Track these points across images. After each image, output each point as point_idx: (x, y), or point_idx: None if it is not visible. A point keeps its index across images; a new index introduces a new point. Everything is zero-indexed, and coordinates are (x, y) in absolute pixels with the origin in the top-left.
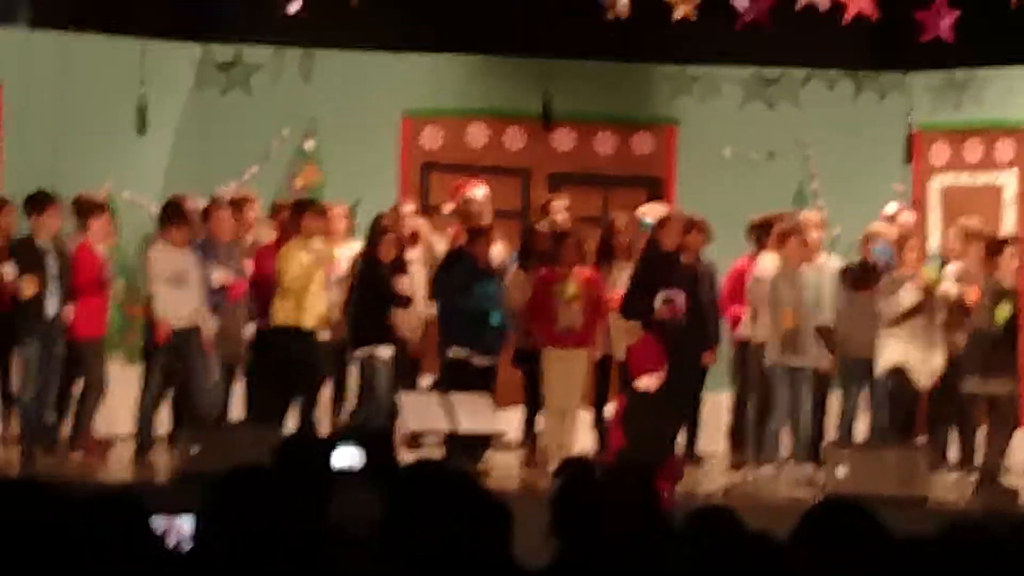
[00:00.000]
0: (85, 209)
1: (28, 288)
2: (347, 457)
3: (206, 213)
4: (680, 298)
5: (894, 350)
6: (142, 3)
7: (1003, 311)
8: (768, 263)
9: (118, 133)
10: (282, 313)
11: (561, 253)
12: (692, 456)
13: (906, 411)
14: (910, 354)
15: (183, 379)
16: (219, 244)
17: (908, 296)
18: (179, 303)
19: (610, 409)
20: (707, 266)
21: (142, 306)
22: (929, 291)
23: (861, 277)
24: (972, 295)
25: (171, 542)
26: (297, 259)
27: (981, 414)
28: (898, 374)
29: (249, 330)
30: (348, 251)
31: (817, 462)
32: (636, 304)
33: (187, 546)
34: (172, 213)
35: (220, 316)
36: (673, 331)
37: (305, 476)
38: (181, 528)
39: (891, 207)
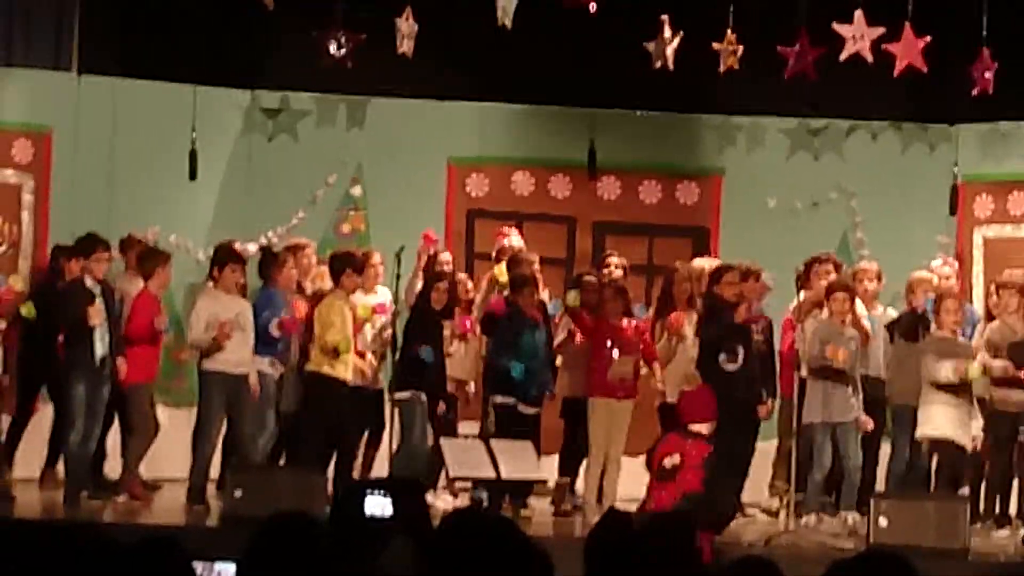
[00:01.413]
0: (150, 258)
1: (95, 318)
2: (377, 505)
3: (274, 259)
4: (740, 351)
5: (934, 419)
6: (191, 49)
7: None
8: (809, 327)
9: (167, 178)
10: (322, 363)
11: (605, 304)
12: (739, 507)
13: (956, 472)
14: (951, 420)
15: (232, 425)
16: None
17: (944, 373)
18: (231, 349)
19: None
20: (764, 317)
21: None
22: (963, 379)
23: (909, 327)
24: (1010, 369)
25: None
26: (339, 315)
27: None
28: (940, 444)
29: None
30: (378, 297)
31: (862, 512)
32: (707, 357)
33: None
34: (227, 258)
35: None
36: (733, 383)
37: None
38: (224, 574)
39: (937, 262)
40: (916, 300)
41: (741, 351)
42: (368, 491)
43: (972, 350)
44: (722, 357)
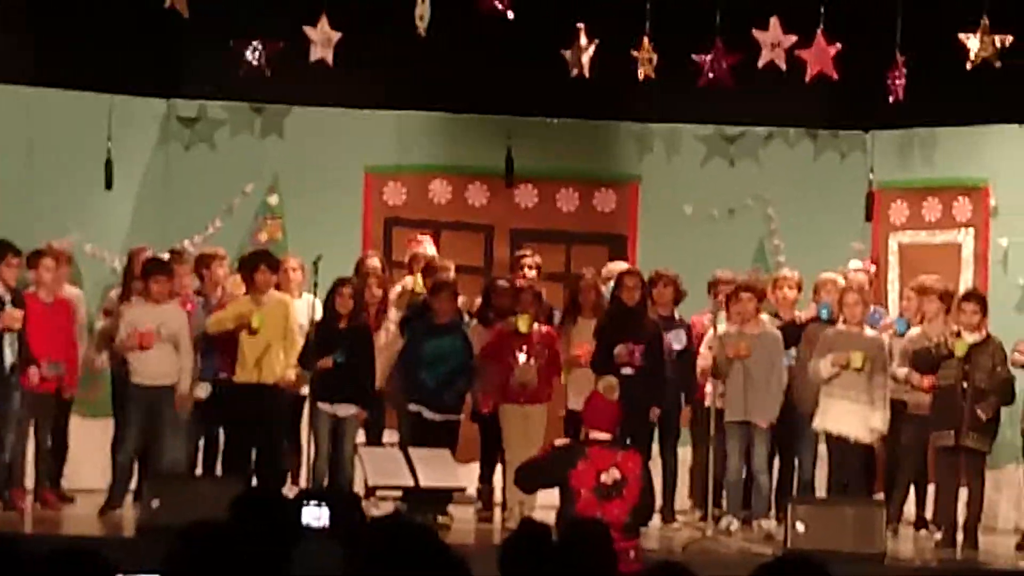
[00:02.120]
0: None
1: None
2: (314, 515)
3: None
4: (636, 351)
5: (827, 413)
6: (107, 58)
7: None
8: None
9: (83, 188)
10: (242, 369)
11: (519, 308)
12: (671, 513)
13: (852, 469)
14: (846, 414)
15: (151, 436)
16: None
17: (824, 368)
18: (150, 360)
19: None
20: (674, 322)
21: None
22: (845, 367)
23: (789, 335)
24: (925, 383)
25: None
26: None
27: (948, 469)
28: (835, 439)
29: (203, 390)
30: (302, 304)
31: (779, 518)
32: (601, 358)
33: None
34: (153, 268)
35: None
36: (631, 384)
37: (262, 530)
38: None
39: (854, 264)
40: (821, 301)
41: (638, 356)
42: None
43: (879, 343)
44: (616, 353)
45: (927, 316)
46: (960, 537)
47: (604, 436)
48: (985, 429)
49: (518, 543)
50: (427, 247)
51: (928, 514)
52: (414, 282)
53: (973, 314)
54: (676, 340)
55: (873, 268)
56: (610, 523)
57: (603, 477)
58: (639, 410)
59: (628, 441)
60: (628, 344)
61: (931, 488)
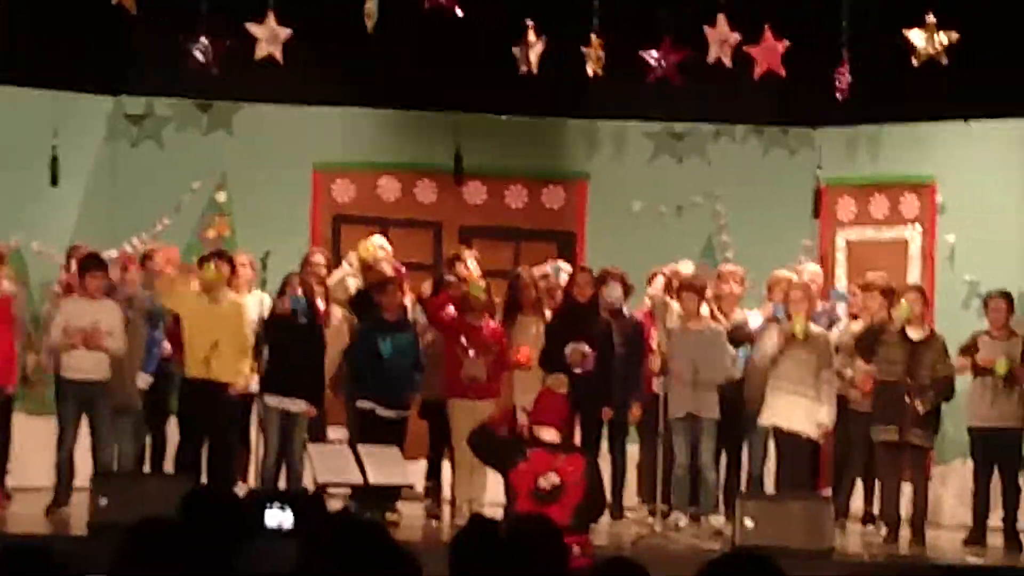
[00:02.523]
0: None
1: None
2: (278, 518)
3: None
4: (586, 349)
5: (773, 407)
6: (52, 54)
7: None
8: (674, 319)
9: (29, 184)
10: (191, 364)
11: (469, 305)
12: (619, 510)
13: (798, 464)
14: (792, 409)
15: (91, 431)
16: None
17: (770, 342)
18: (85, 355)
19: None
20: (624, 319)
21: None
22: (791, 337)
23: (735, 336)
24: (866, 384)
25: None
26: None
27: (891, 464)
28: (779, 432)
29: (143, 381)
30: (253, 300)
31: (727, 514)
32: (551, 355)
33: None
34: (89, 264)
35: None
36: (581, 383)
37: (212, 528)
38: None
39: (812, 267)
40: (775, 300)
41: (587, 349)
42: (268, 504)
43: (825, 339)
44: (567, 352)
45: (870, 311)
46: (906, 532)
47: (551, 434)
48: (927, 424)
49: (468, 539)
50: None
51: (875, 510)
52: (364, 248)
53: (914, 303)
54: (611, 295)
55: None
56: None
57: (541, 482)
58: (590, 409)
59: (578, 439)
60: (580, 344)
61: (877, 484)
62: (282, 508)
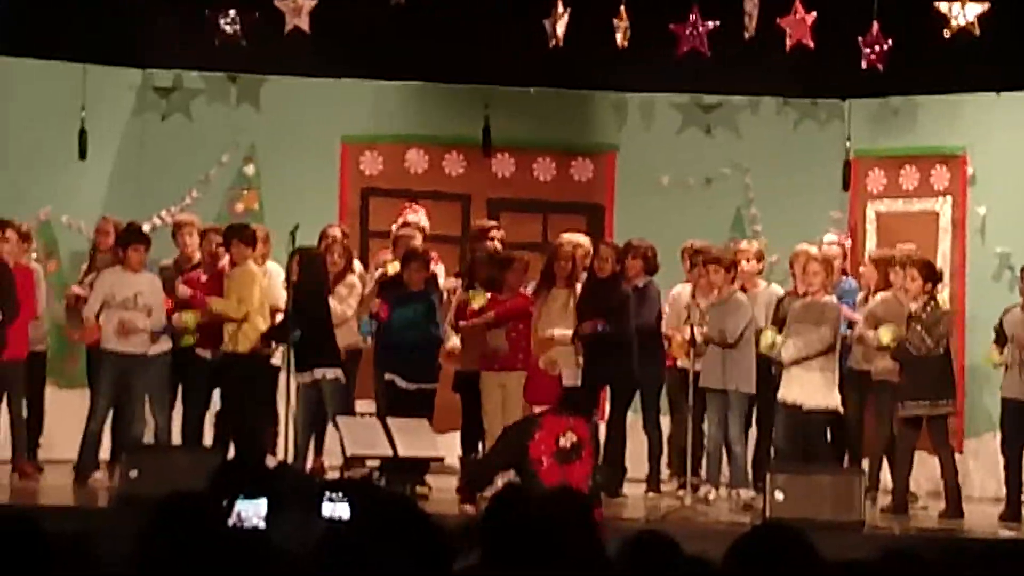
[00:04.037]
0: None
1: None
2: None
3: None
4: (599, 324)
5: (790, 384)
6: (82, 27)
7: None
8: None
9: (58, 158)
10: (224, 338)
11: (505, 279)
12: (656, 483)
13: (819, 439)
14: (806, 384)
15: (122, 404)
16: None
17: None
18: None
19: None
20: (644, 292)
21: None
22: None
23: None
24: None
25: None
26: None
27: (913, 437)
28: (794, 408)
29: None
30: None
31: (757, 487)
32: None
33: None
34: (131, 238)
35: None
36: (602, 357)
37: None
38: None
39: (829, 237)
40: (796, 273)
41: (616, 325)
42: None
43: (836, 310)
44: (580, 332)
45: (902, 285)
46: (940, 505)
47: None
48: (944, 391)
49: (499, 509)
50: (421, 217)
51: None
52: (393, 267)
53: (912, 280)
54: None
55: (848, 242)
56: (574, 485)
57: (561, 441)
58: (614, 384)
59: (606, 414)
60: (592, 322)
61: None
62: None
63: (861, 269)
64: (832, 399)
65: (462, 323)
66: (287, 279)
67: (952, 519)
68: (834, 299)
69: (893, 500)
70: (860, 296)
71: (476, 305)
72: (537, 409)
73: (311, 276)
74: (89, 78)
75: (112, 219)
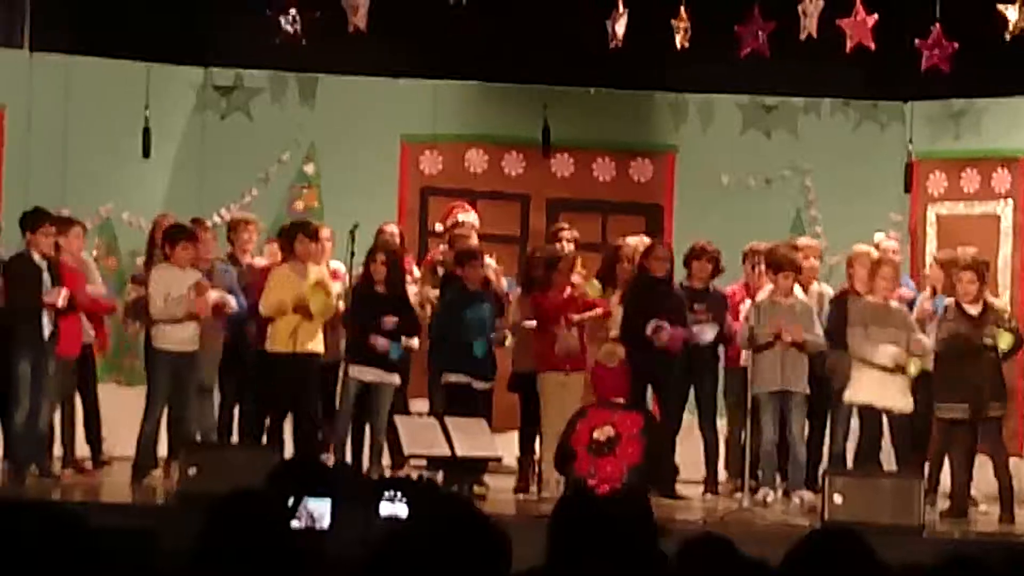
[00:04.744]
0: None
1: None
2: (393, 508)
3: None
4: (668, 332)
5: (862, 384)
6: (144, 26)
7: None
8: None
9: (120, 156)
10: (278, 339)
11: (553, 278)
12: (714, 485)
13: (895, 440)
14: (879, 386)
15: (177, 402)
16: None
17: (881, 358)
18: (176, 326)
19: (606, 431)
20: (707, 295)
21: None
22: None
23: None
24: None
25: None
26: (285, 282)
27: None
28: (868, 409)
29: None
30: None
31: (815, 489)
32: (630, 329)
33: None
34: (178, 235)
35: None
36: (658, 359)
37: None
38: None
39: (879, 236)
40: (855, 274)
41: (667, 325)
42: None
43: (906, 316)
44: (648, 330)
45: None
46: (996, 509)
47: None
48: (997, 393)
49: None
50: (471, 216)
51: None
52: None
53: (970, 283)
54: (704, 334)
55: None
56: (603, 479)
57: (595, 434)
58: (668, 385)
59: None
60: (661, 323)
61: (948, 460)
62: (397, 498)
63: (925, 271)
64: (907, 402)
65: (576, 317)
66: (365, 277)
67: (1005, 524)
68: (900, 306)
69: (952, 504)
70: (923, 296)
71: (593, 294)
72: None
73: (396, 276)
74: (152, 76)
75: (170, 215)
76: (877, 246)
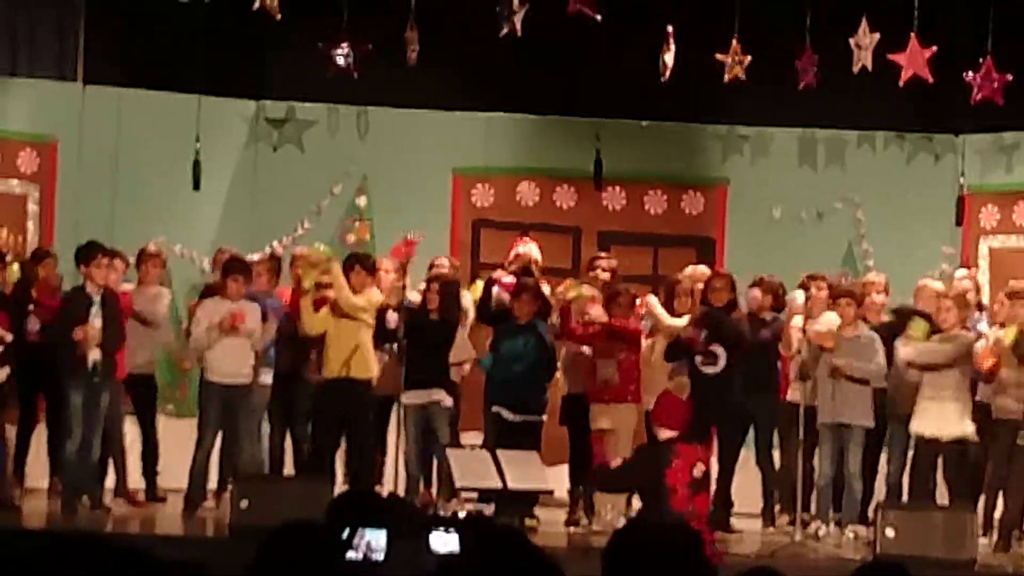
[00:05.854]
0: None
1: (85, 336)
2: (443, 541)
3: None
4: (719, 352)
5: (924, 417)
6: (196, 59)
7: None
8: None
9: (172, 188)
10: (332, 367)
11: (610, 311)
12: (771, 519)
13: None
14: (941, 419)
15: (228, 434)
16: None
17: (903, 350)
18: (225, 359)
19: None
20: (768, 325)
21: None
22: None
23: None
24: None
25: None
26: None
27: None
28: (928, 442)
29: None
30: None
31: (867, 522)
32: (675, 351)
33: None
34: (230, 268)
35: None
36: (715, 391)
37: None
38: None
39: (960, 272)
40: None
41: (723, 355)
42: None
43: (969, 338)
44: (698, 360)
45: (1018, 319)
46: None
47: (672, 434)
48: None
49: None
50: (532, 249)
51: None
52: (474, 289)
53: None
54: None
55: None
56: (699, 515)
57: (694, 471)
58: (725, 419)
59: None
60: (695, 328)
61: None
62: (447, 531)
63: (995, 306)
64: (967, 427)
65: (577, 331)
66: (423, 307)
67: None
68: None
69: (999, 537)
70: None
71: (572, 295)
72: (665, 434)
73: (451, 304)
74: (203, 109)
75: (228, 249)
76: (950, 281)
